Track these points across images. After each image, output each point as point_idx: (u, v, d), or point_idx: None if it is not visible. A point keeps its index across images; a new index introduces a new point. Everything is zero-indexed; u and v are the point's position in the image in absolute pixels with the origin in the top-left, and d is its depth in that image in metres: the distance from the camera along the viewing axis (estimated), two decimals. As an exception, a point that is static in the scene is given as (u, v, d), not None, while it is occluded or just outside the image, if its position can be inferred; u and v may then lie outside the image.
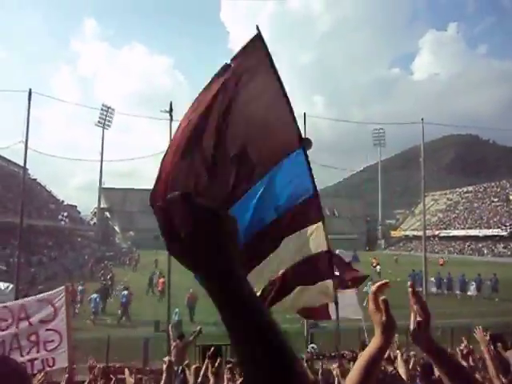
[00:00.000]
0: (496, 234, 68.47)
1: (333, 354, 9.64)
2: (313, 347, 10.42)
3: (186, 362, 6.27)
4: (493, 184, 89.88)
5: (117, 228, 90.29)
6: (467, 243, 73.77)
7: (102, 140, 78.86)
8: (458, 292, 26.24)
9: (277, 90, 3.14)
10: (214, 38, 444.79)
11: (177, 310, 16.83)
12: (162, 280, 23.87)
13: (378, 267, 35.12)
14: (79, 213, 79.47)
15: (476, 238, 72.58)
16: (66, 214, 59.25)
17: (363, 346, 6.22)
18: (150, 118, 66.45)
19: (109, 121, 78.22)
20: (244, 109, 3.00)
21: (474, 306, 22.68)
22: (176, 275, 20.54)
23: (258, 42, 3.02)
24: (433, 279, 27.11)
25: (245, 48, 2.99)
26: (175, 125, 13.26)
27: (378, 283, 1.36)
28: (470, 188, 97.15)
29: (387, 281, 1.39)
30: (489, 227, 72.54)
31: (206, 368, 3.89)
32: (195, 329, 10.18)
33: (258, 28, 3.00)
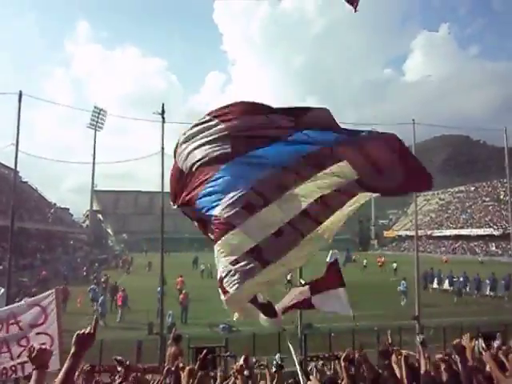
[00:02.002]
0: (488, 233, 69.07)
1: (326, 355, 9.66)
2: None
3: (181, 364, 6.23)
4: (484, 184, 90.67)
5: (109, 230, 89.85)
6: (459, 243, 74.35)
7: (94, 142, 78.50)
8: (475, 291, 26.64)
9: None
10: (208, 40, 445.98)
11: (170, 312, 16.77)
12: (180, 279, 25.34)
13: (394, 264, 38.25)
14: (71, 215, 79.00)
15: (468, 238, 73.19)
16: (52, 211, 58.95)
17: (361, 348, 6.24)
18: (142, 120, 66.10)
19: (101, 123, 77.89)
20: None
21: (477, 304, 22.98)
22: (170, 279, 20.54)
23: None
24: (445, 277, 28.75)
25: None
26: (168, 127, 13.25)
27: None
28: (462, 188, 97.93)
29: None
30: (480, 227, 73.12)
31: (198, 370, 3.86)
32: (189, 331, 10.15)
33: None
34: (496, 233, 66.82)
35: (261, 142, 3.57)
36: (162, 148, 12.87)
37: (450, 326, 13.52)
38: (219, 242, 3.49)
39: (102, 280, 27.63)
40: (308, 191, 3.62)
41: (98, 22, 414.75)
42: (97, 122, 77.35)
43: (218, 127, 3.57)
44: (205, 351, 4.68)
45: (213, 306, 22.77)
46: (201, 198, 3.64)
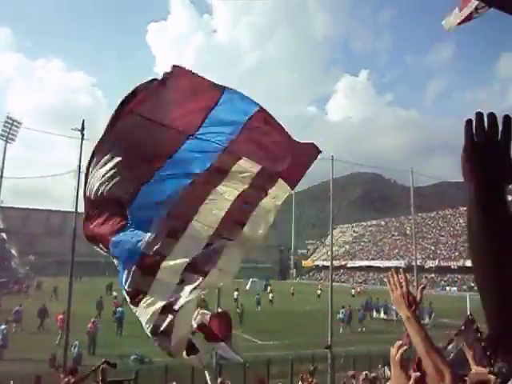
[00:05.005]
0: (396, 265, 74.15)
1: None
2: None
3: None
4: (393, 219, 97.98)
5: (14, 251, 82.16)
6: (371, 273, 78.84)
7: (4, 154, 72.12)
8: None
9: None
10: (139, 60, 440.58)
11: (76, 342, 15.56)
12: (115, 300, 24.89)
13: (319, 291, 43.98)
14: (-31, 233, 71.11)
15: (378, 269, 78.01)
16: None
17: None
18: (59, 135, 62.34)
19: (13, 134, 72.00)
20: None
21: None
22: (78, 305, 19.17)
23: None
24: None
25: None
26: (87, 144, 12.69)
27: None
28: (374, 222, 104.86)
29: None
30: (389, 259, 78.48)
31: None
32: (96, 363, 9.36)
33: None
34: (402, 265, 71.95)
35: (168, 145, 3.46)
36: (79, 166, 12.30)
37: (360, 355, 14.11)
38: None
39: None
40: (221, 197, 3.63)
41: (23, 29, 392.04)
42: (8, 133, 71.44)
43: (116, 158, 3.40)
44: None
45: (124, 334, 21.59)
46: (116, 247, 3.52)
